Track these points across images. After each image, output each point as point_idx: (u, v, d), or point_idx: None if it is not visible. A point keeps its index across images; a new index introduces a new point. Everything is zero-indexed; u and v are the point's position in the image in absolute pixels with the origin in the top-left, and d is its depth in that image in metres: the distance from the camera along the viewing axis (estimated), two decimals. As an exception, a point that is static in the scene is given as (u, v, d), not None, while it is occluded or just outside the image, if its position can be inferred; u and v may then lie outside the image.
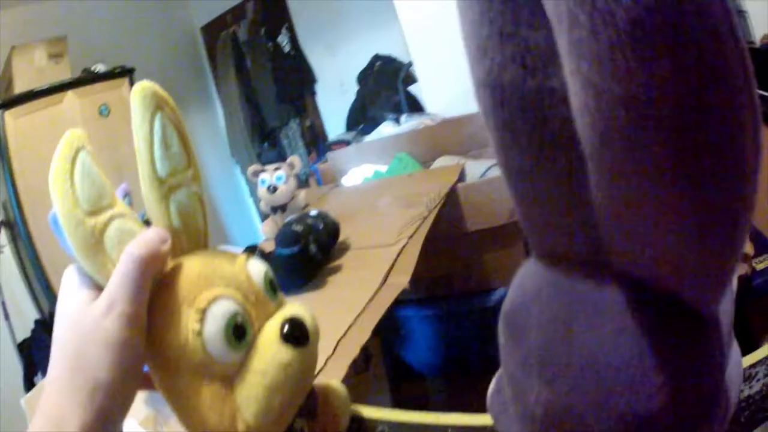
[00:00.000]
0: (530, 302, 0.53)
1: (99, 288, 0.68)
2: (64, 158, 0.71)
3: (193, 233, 0.78)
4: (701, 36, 0.29)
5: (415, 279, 1.87)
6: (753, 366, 0.83)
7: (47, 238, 4.66)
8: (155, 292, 0.70)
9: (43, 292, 4.72)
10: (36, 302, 5.15)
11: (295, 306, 0.80)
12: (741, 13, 3.64)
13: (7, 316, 4.87)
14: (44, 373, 3.47)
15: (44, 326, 4.98)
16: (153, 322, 0.69)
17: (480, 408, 0.94)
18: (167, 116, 0.76)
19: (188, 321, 0.67)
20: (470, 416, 0.94)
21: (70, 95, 5.22)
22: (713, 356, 0.45)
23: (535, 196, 0.48)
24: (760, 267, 2.46)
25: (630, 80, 0.30)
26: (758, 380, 0.80)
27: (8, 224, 5.11)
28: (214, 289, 0.69)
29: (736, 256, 0.39)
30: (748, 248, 2.50)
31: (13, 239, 5.13)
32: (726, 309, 0.48)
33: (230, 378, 0.70)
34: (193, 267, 0.72)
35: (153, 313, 0.69)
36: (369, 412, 1.00)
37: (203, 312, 0.67)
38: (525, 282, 0.56)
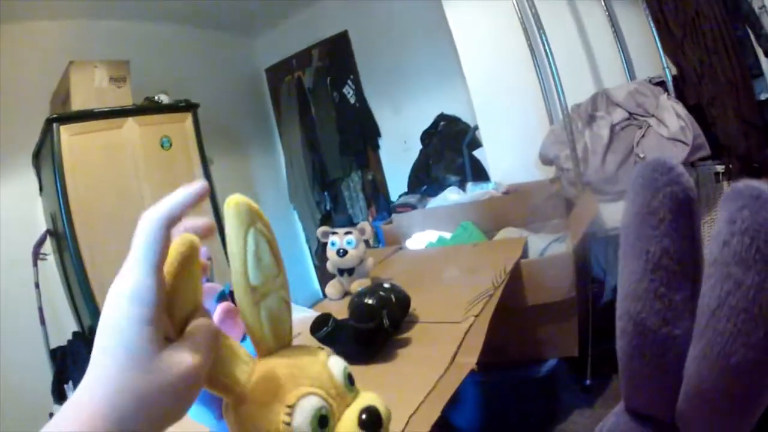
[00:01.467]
0: None
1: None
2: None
3: (280, 334, 0.84)
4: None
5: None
6: None
7: (95, 254, 4.74)
8: (253, 390, 0.76)
9: (86, 305, 4.71)
10: (76, 314, 5.21)
11: (369, 395, 0.86)
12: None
13: (43, 322, 4.93)
14: (75, 384, 3.51)
15: (82, 338, 5.04)
16: (248, 414, 0.75)
17: None
18: (260, 231, 0.80)
19: (280, 414, 0.74)
20: None
21: (130, 122, 5.23)
22: None
23: (642, 386, 0.66)
24: None
25: (727, 378, 0.51)
26: None
27: (55, 234, 5.15)
28: (302, 388, 0.76)
29: None
30: None
31: (59, 249, 5.18)
32: None
33: None
34: (282, 368, 0.78)
35: (248, 408, 0.76)
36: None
37: (292, 407, 0.74)
38: (616, 429, 0.72)
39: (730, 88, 3.56)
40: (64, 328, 5.15)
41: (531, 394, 3.33)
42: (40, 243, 5.17)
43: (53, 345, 5.00)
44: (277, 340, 0.82)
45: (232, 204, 0.77)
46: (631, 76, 4.24)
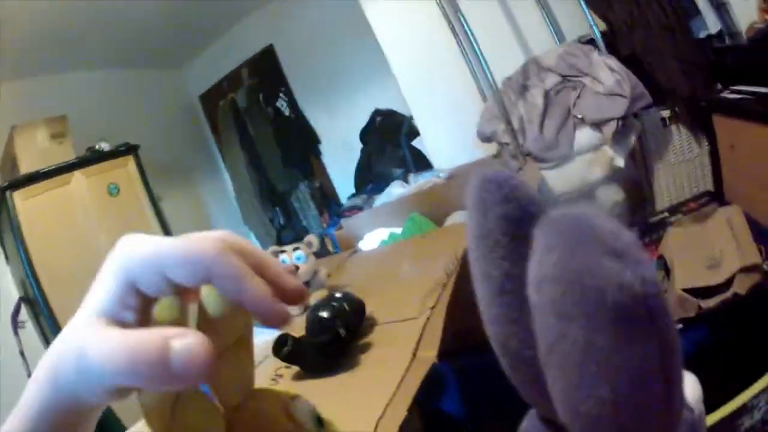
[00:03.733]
0: None
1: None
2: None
3: (247, 384, 0.77)
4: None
5: (444, 332, 1.97)
6: (755, 397, 0.91)
7: (68, 313, 4.56)
8: None
9: None
10: None
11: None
12: (722, 6, 3.66)
13: None
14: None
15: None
16: None
17: None
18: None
19: None
20: None
21: (77, 175, 5.25)
22: None
23: (530, 398, 0.65)
24: None
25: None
26: (760, 409, 0.89)
27: (28, 300, 5.12)
28: None
29: None
30: (758, 256, 2.55)
31: (35, 315, 5.11)
32: None
33: None
34: (248, 424, 0.73)
35: None
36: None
37: None
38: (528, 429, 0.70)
39: (664, 32, 3.58)
40: None
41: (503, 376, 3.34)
42: (17, 311, 5.14)
43: None
44: (243, 391, 0.76)
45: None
46: (560, 39, 4.26)
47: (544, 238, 0.45)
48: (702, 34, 3.73)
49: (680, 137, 3.78)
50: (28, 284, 4.77)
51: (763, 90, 2.88)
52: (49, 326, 4.67)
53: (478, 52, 3.92)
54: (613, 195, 3.71)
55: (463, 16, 3.97)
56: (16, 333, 5.00)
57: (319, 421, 0.79)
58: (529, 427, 0.69)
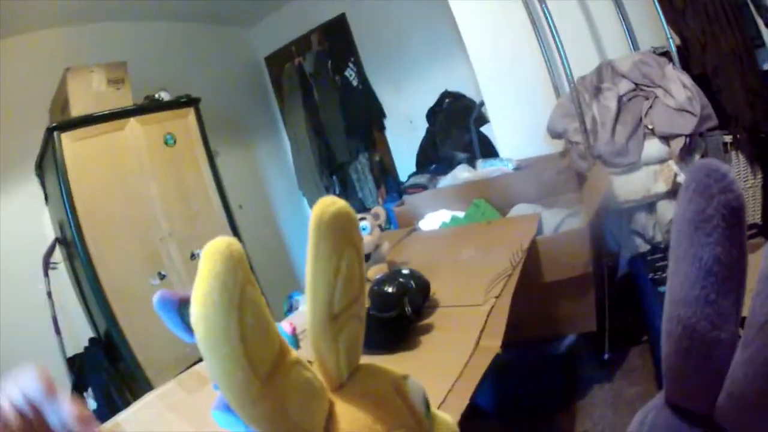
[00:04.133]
0: None
1: None
2: (225, 310, 0.54)
3: (354, 360, 0.75)
4: None
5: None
6: None
7: (105, 257, 4.74)
8: None
9: (101, 311, 4.73)
10: (92, 320, 5.22)
11: (446, 421, 0.81)
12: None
13: (58, 331, 4.92)
14: (94, 390, 3.49)
15: (99, 345, 5.06)
16: None
17: None
18: (355, 247, 0.68)
19: None
20: None
21: (132, 122, 5.22)
22: None
23: (687, 382, 0.67)
24: None
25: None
26: None
27: (64, 242, 5.17)
28: None
29: None
30: None
31: (69, 257, 5.17)
32: None
33: None
34: (364, 412, 0.69)
35: None
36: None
37: None
38: (657, 423, 0.73)
39: (733, 57, 3.55)
40: (79, 335, 5.15)
41: (550, 371, 3.33)
42: (50, 252, 5.16)
43: (70, 353, 4.98)
44: (350, 368, 0.74)
45: (331, 216, 0.63)
46: (635, 46, 4.22)
47: None
48: (766, 66, 3.70)
49: (738, 165, 3.73)
50: (67, 225, 4.75)
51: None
52: (85, 269, 4.68)
53: (560, 46, 3.87)
54: (672, 211, 3.67)
55: (547, 8, 3.92)
56: (46, 274, 5.03)
57: (427, 406, 0.77)
58: (660, 417, 0.72)
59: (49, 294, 4.96)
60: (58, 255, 5.22)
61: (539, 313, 3.26)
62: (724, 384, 0.60)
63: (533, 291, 3.14)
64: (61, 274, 5.21)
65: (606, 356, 3.58)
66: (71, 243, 4.81)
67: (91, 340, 5.10)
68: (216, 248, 0.55)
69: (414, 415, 0.72)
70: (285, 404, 0.61)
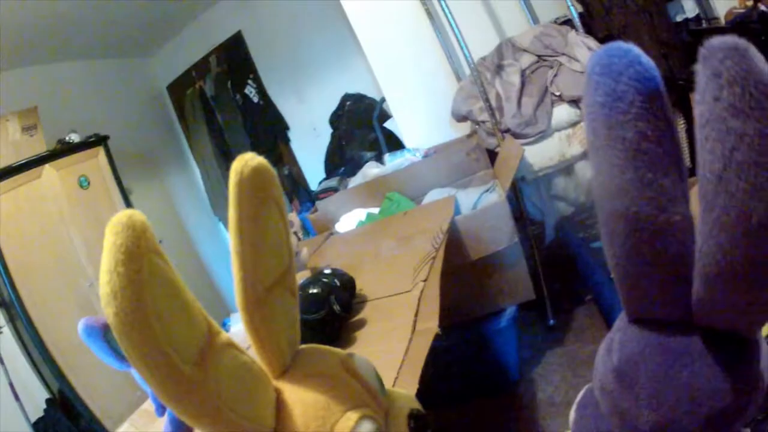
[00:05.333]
0: (638, 358, 0.69)
1: None
2: (131, 281, 0.50)
3: (294, 339, 0.73)
4: None
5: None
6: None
7: (44, 316, 4.67)
8: (282, 424, 0.65)
9: (50, 370, 4.66)
10: (44, 381, 5.04)
11: (401, 395, 0.80)
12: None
13: (17, 397, 4.73)
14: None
15: (56, 405, 4.94)
16: None
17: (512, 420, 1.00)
18: (278, 211, 0.66)
19: None
20: None
21: (48, 169, 5.15)
22: (757, 361, 0.65)
23: (648, 290, 0.64)
24: None
25: (748, 251, 0.49)
26: None
27: (4, 304, 4.94)
28: (349, 415, 0.66)
29: None
30: None
31: (11, 319, 4.99)
32: None
33: None
34: (314, 392, 0.66)
35: None
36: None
37: None
38: (629, 343, 0.71)
39: (642, 14, 3.60)
40: (37, 398, 5.01)
41: (499, 345, 3.34)
42: (-7, 316, 5.00)
43: (33, 418, 4.85)
44: (292, 349, 0.72)
45: (251, 171, 0.61)
46: (534, 21, 4.30)
47: (713, 57, 0.46)
48: (679, 18, 3.76)
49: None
50: (2, 285, 4.66)
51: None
52: (27, 329, 4.62)
53: (456, 31, 3.89)
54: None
55: (440, -5, 3.95)
56: (-8, 340, 4.91)
57: (381, 382, 0.77)
58: (629, 337, 0.71)
59: (1, 360, 4.84)
60: (1, 319, 5.08)
61: (475, 292, 3.28)
62: (694, 273, 0.57)
63: (464, 271, 3.16)
64: (8, 338, 5.07)
65: (551, 322, 3.66)
66: (10, 304, 4.72)
67: (47, 401, 5.00)
68: (117, 220, 0.53)
69: (369, 392, 0.72)
70: (221, 393, 0.57)
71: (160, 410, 1.71)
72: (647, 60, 0.55)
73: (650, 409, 0.67)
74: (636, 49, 0.55)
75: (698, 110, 0.49)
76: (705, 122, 0.48)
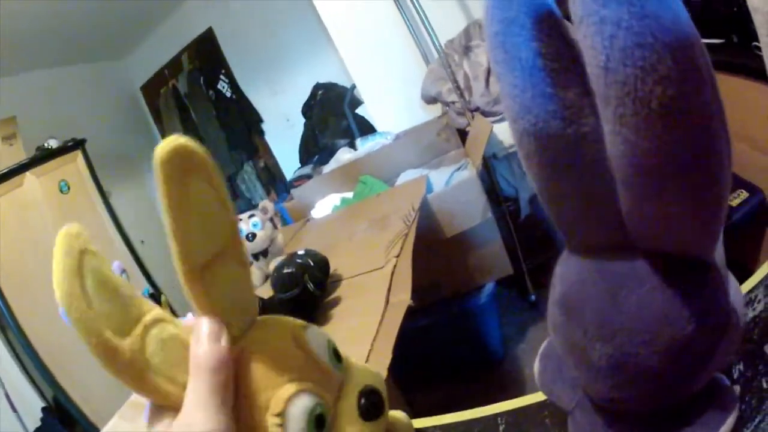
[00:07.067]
0: (580, 288, 0.66)
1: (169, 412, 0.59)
2: (69, 273, 0.55)
3: (246, 311, 0.68)
4: (699, 115, 0.46)
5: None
6: (751, 291, 0.95)
7: (35, 324, 4.66)
8: None
9: (43, 378, 4.69)
10: (38, 390, 5.04)
11: (360, 370, 0.74)
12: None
13: (14, 409, 4.77)
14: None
15: (52, 413, 4.94)
16: None
17: (498, 395, 1.00)
18: (207, 183, 0.63)
19: (268, 429, 0.61)
20: (514, 401, 0.98)
21: (29, 176, 5.17)
22: (718, 288, 0.62)
23: (576, 210, 0.62)
24: (735, 203, 2.61)
25: (655, 140, 0.46)
26: (759, 301, 0.91)
27: None
28: (286, 387, 0.63)
29: (721, 223, 0.55)
30: None
31: (2, 329, 4.95)
32: (719, 252, 0.64)
33: None
34: (255, 365, 0.64)
35: None
36: (421, 422, 1.01)
37: (282, 415, 0.61)
38: (570, 274, 0.68)
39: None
40: (33, 408, 5.01)
41: (480, 322, 3.34)
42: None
43: (31, 428, 4.86)
44: (241, 320, 0.67)
45: (169, 151, 0.58)
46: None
47: None
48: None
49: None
50: (-7, 298, 4.62)
51: (712, 41, 2.93)
52: (17, 338, 4.66)
53: (422, 13, 3.91)
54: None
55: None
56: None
57: (336, 355, 0.72)
58: (570, 268, 0.69)
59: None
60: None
61: (452, 269, 3.31)
62: (617, 184, 0.54)
63: (439, 249, 3.19)
64: (1, 348, 5.08)
65: (532, 297, 3.68)
66: (0, 315, 4.73)
67: (43, 409, 4.98)
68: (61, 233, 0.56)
69: (318, 366, 0.68)
70: (156, 365, 0.58)
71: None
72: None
73: (602, 341, 0.63)
74: None
75: (572, 10, 0.48)
76: (580, 20, 0.47)
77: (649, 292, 0.59)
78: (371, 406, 0.69)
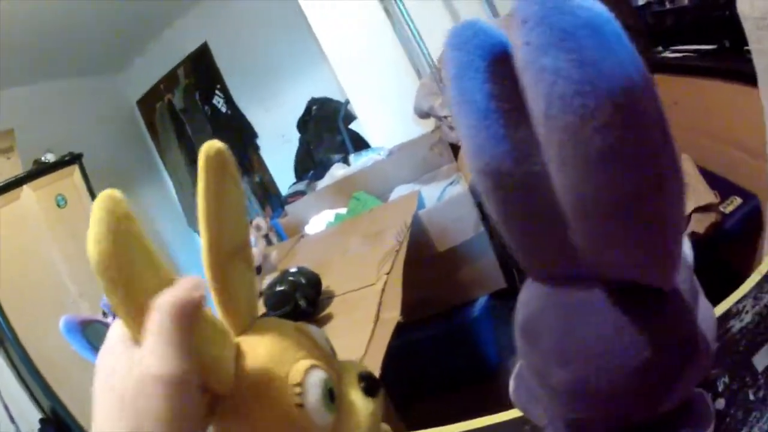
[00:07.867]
0: (539, 315, 0.68)
1: None
2: (108, 233, 0.56)
3: (253, 303, 0.76)
4: (641, 161, 0.48)
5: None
6: (739, 302, 0.96)
7: (32, 336, 4.64)
8: (242, 377, 0.66)
9: (41, 390, 4.65)
10: (36, 401, 4.96)
11: (350, 362, 0.82)
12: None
13: (12, 419, 4.76)
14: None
15: (50, 424, 4.93)
16: (244, 403, 0.66)
17: (494, 408, 1.03)
18: (236, 188, 0.70)
19: (289, 397, 0.66)
20: (497, 416, 1.01)
21: (26, 190, 5.14)
22: (681, 314, 0.64)
23: (530, 244, 0.65)
24: (729, 209, 2.61)
25: (596, 183, 0.48)
26: (747, 312, 0.93)
27: None
28: (302, 362, 0.69)
29: (676, 256, 0.57)
30: (712, 197, 2.60)
31: (1, 343, 4.85)
32: (685, 278, 0.66)
33: None
34: (270, 343, 0.69)
35: (242, 393, 0.66)
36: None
37: (301, 384, 0.66)
38: (530, 301, 0.71)
39: (604, 0, 3.64)
40: (31, 419, 4.95)
41: (473, 336, 3.36)
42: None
43: None
44: (250, 315, 0.73)
45: (216, 152, 0.66)
46: (494, 13, 4.31)
47: (519, 8, 0.47)
48: (641, 2, 3.81)
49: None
50: (-8, 313, 4.62)
51: (705, 47, 2.94)
52: (15, 349, 4.63)
53: (413, 29, 3.96)
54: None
55: (397, -6, 4.00)
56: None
57: (331, 347, 0.79)
58: (531, 294, 0.71)
59: (-7, 390, 4.85)
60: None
61: (445, 284, 3.33)
62: (571, 221, 0.56)
63: (432, 264, 3.21)
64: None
65: (527, 309, 3.63)
66: (-1, 330, 4.71)
67: (41, 421, 4.99)
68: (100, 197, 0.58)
69: (322, 351, 0.74)
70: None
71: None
72: (491, 28, 0.59)
73: (559, 366, 0.65)
74: (482, 21, 0.58)
75: (515, 57, 0.50)
76: (524, 68, 0.49)
77: (606, 321, 0.61)
78: (372, 383, 0.76)
